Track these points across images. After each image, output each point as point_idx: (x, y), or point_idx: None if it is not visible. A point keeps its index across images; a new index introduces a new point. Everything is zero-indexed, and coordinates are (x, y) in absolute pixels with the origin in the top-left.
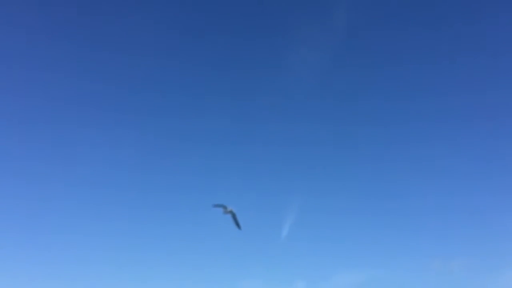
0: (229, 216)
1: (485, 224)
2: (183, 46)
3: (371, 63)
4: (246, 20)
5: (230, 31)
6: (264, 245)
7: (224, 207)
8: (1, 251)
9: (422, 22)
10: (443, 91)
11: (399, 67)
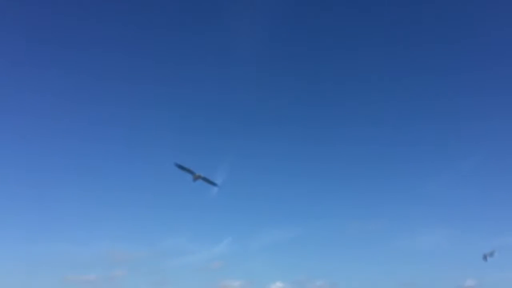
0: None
1: (401, 189)
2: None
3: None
4: None
5: None
6: (192, 203)
7: (193, 173)
8: None
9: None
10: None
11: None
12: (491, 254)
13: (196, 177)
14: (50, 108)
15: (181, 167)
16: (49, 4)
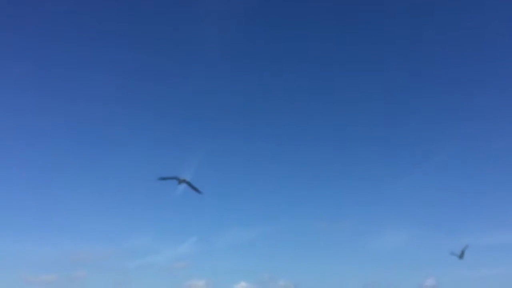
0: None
1: (366, 190)
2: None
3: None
4: None
5: None
6: (156, 202)
7: (177, 178)
8: None
9: None
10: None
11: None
12: (463, 252)
13: (181, 181)
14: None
15: (164, 179)
16: None
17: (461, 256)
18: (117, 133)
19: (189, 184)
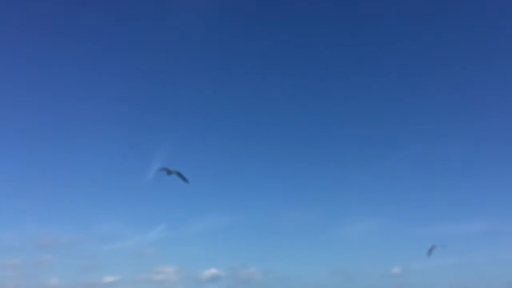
0: (173, 175)
1: (336, 179)
2: None
3: None
4: None
5: None
6: (126, 187)
7: (167, 170)
8: None
9: None
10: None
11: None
12: (434, 248)
13: (169, 172)
14: None
15: (162, 169)
16: None
17: (429, 253)
18: (87, 119)
19: (178, 174)
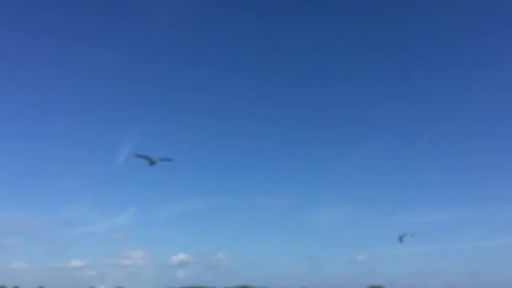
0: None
1: (307, 168)
2: None
3: None
4: None
5: None
6: (95, 171)
7: (150, 159)
8: None
9: None
10: None
11: None
12: (404, 236)
13: (152, 162)
14: None
15: (139, 156)
16: None
17: (400, 240)
18: (55, 103)
19: (162, 159)
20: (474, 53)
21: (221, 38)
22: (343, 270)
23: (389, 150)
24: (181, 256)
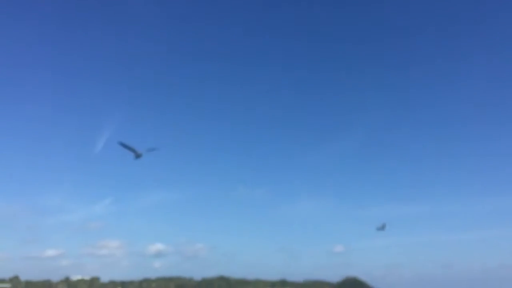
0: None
1: (285, 158)
2: None
3: None
4: None
5: None
6: (72, 159)
7: (135, 152)
8: None
9: None
10: None
11: None
12: (383, 227)
13: (138, 156)
14: None
15: (124, 146)
16: None
17: (381, 229)
18: (32, 87)
19: (148, 150)
20: (449, 48)
21: (209, 32)
22: (319, 261)
23: (366, 143)
24: (159, 246)
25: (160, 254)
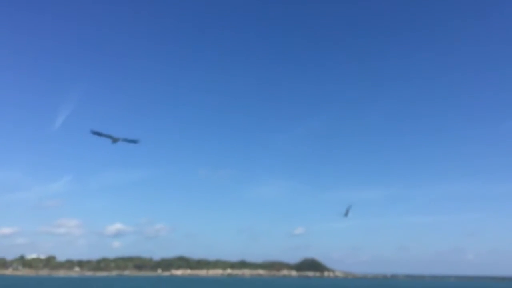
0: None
1: (250, 140)
2: None
3: None
4: None
5: None
6: (29, 134)
7: (112, 137)
8: None
9: None
10: None
11: None
12: (348, 210)
13: (115, 140)
14: None
15: (98, 134)
16: None
17: (346, 214)
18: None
19: (124, 139)
20: (418, 26)
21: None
22: (279, 243)
23: (331, 126)
24: (118, 226)
25: (119, 234)
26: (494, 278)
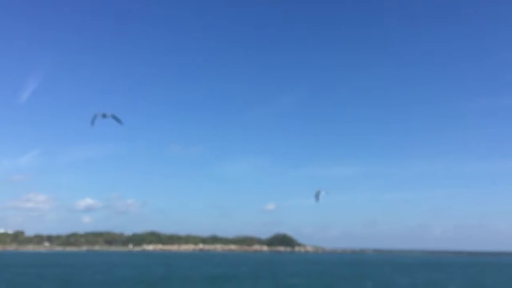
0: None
1: (221, 116)
2: None
3: None
4: None
5: None
6: None
7: (102, 114)
8: None
9: None
10: None
11: None
12: (320, 193)
13: (105, 116)
14: None
15: (104, 116)
16: None
17: (316, 199)
18: None
19: (113, 117)
20: (399, 13)
21: None
22: (251, 218)
23: (304, 103)
24: (88, 201)
25: (89, 209)
26: (459, 253)
